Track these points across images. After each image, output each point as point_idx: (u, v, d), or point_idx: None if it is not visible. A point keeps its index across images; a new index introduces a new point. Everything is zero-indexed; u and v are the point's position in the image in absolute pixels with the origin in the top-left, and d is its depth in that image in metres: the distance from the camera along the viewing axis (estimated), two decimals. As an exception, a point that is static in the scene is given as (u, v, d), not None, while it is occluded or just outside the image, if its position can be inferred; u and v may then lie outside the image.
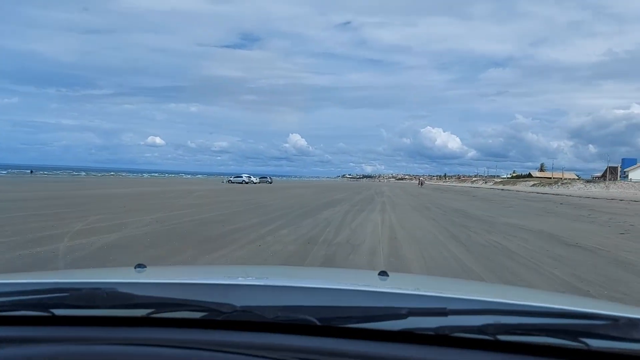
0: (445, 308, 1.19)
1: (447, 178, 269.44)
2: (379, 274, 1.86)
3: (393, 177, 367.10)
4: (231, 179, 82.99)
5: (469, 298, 1.44)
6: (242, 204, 24.16)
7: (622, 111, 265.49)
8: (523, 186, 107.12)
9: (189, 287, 1.54)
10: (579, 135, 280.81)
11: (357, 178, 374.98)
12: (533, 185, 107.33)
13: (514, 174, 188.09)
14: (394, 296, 1.49)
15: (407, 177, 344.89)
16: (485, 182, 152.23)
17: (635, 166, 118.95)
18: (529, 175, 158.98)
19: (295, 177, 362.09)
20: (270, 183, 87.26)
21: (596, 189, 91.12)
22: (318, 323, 1.20)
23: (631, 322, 1.11)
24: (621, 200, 43.58)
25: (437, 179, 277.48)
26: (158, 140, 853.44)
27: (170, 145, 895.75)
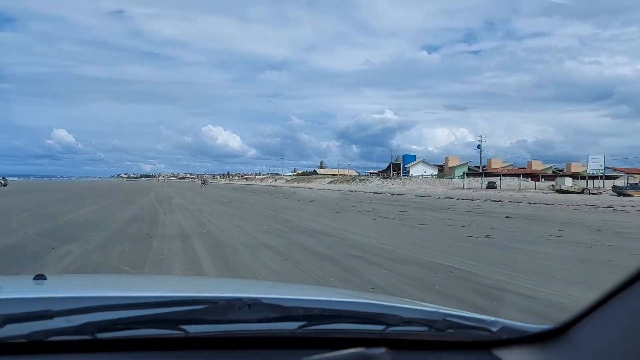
0: (49, 310, 1.02)
1: (230, 177, 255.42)
2: (34, 278, 1.56)
3: (174, 176, 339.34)
4: None
5: (77, 296, 1.30)
6: None
7: (378, 116, 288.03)
8: (319, 183, 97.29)
9: None
10: (344, 136, 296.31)
11: (135, 178, 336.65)
12: (330, 182, 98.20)
13: (298, 172, 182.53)
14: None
15: (189, 176, 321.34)
16: (276, 180, 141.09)
17: (414, 162, 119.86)
18: (314, 173, 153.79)
19: (62, 177, 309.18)
20: (4, 185, 60.82)
21: (394, 185, 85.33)
22: None
23: (229, 303, 1.07)
24: (513, 201, 32.06)
25: (220, 177, 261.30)
26: None
27: None
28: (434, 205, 26.48)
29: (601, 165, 69.47)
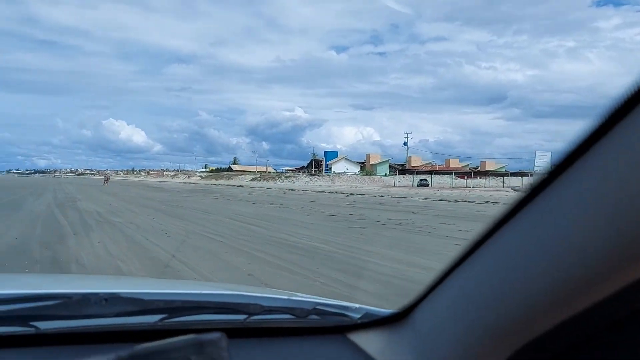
0: None
1: (134, 172, 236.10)
2: None
3: (72, 172, 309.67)
4: None
5: None
6: None
7: (288, 113, 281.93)
8: (241, 181, 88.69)
9: None
10: (254, 132, 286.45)
11: (28, 173, 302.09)
12: (253, 179, 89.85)
13: (211, 169, 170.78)
14: None
15: (88, 172, 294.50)
16: (189, 177, 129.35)
17: (336, 159, 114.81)
18: (229, 169, 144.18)
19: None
20: None
21: (322, 182, 78.97)
22: None
23: (84, 298, 1.04)
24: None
25: (124, 173, 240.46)
26: None
27: None
28: (449, 211, 20.10)
29: (548, 163, 67.35)
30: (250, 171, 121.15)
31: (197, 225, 12.75)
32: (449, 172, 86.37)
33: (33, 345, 1.01)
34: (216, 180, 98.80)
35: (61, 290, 1.25)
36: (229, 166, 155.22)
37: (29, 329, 0.99)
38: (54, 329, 1.01)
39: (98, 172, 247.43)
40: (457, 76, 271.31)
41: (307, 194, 37.16)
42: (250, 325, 1.13)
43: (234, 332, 1.03)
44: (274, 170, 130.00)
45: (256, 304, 1.16)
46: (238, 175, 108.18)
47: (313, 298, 1.37)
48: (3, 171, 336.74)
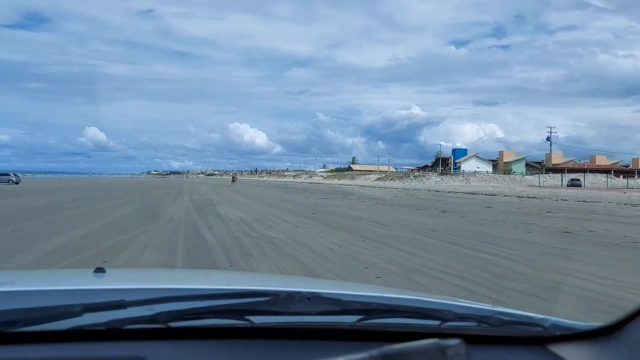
0: (123, 300, 1.05)
1: (258, 173, 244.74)
2: (95, 271, 1.59)
3: (202, 173, 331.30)
4: None
5: (149, 287, 1.37)
6: None
7: (404, 111, 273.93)
8: (366, 181, 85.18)
9: None
10: (370, 132, 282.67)
11: (164, 174, 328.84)
12: (378, 179, 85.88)
13: (332, 168, 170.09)
14: (73, 293, 1.30)
15: (216, 172, 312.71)
16: (311, 177, 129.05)
17: (466, 157, 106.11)
18: (349, 169, 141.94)
19: (94, 174, 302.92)
20: (16, 184, 51.33)
21: (456, 183, 72.47)
22: None
23: (290, 296, 1.09)
24: None
25: (248, 174, 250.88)
26: None
27: None
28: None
29: None
30: (371, 170, 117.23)
31: (394, 250, 8.61)
32: (601, 171, 74.78)
33: (247, 338, 1.07)
34: (339, 180, 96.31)
35: (268, 287, 1.29)
36: (349, 166, 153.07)
37: (245, 322, 1.05)
38: (266, 323, 1.07)
39: (225, 173, 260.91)
40: (590, 67, 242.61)
41: (464, 197, 31.75)
42: (444, 332, 1.09)
43: (427, 338, 1.01)
44: (395, 170, 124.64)
45: (449, 311, 1.14)
46: (361, 174, 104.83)
47: (489, 306, 1.31)
48: (143, 172, 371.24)
